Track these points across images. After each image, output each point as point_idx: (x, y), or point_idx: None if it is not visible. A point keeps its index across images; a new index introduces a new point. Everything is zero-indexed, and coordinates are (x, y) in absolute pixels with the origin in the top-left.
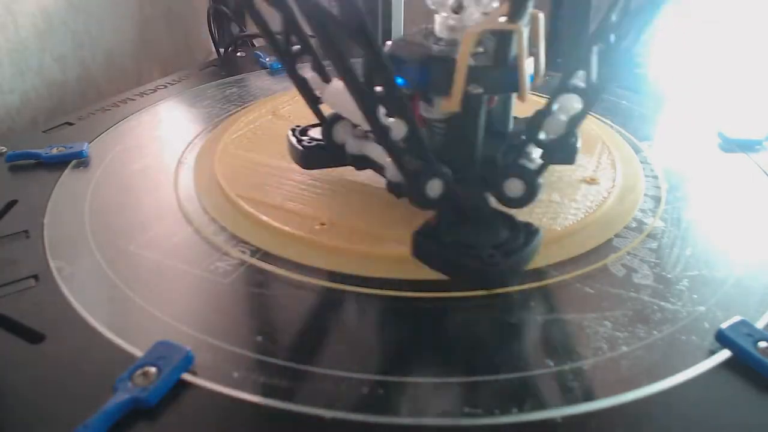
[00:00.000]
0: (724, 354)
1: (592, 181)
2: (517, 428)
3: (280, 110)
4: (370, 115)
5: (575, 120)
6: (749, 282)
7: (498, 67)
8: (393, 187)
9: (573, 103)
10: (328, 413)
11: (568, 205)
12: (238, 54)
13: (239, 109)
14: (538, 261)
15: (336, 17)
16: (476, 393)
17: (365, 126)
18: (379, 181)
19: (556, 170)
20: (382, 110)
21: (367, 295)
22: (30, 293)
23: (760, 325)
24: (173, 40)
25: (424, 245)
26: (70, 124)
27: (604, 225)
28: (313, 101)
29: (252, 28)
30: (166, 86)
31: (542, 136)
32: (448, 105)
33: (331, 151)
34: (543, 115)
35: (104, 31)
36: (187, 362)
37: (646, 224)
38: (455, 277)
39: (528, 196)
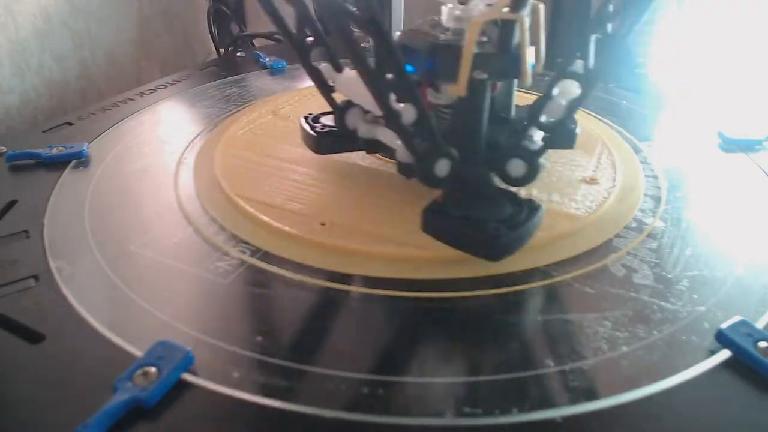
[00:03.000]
0: (724, 354)
1: (592, 181)
2: (517, 428)
3: (280, 110)
4: (382, 100)
5: (574, 104)
6: (749, 282)
7: (501, 54)
8: (404, 168)
9: (572, 88)
10: (328, 413)
11: (568, 205)
12: (238, 54)
13: (239, 109)
14: (538, 261)
15: (350, 10)
16: (476, 393)
17: (377, 111)
18: (380, 182)
19: (556, 170)
20: (392, 96)
21: (367, 294)
22: (30, 293)
23: (760, 325)
24: (173, 40)
25: (432, 221)
26: (70, 124)
27: (604, 225)
28: (326, 90)
29: (252, 28)
30: (166, 86)
31: (543, 119)
32: (455, 90)
33: (345, 136)
34: (544, 99)
35: (104, 31)
36: (187, 362)
37: (646, 224)
38: (462, 249)
39: (529, 175)
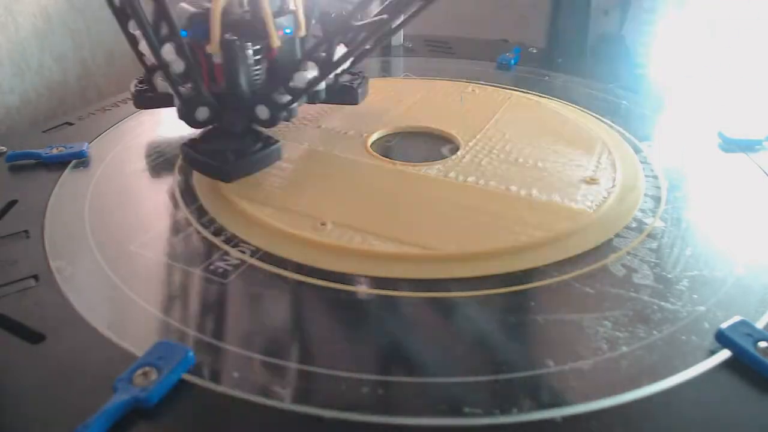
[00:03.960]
0: (724, 354)
1: (592, 181)
2: (517, 428)
3: None
4: (155, 52)
5: (312, 81)
6: (749, 282)
7: (250, 21)
8: (178, 113)
9: (314, 69)
10: (328, 413)
11: (568, 205)
12: None
13: None
14: (539, 261)
15: None
16: (476, 393)
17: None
18: (380, 181)
19: (556, 170)
20: (167, 50)
21: (367, 294)
22: (30, 293)
23: (760, 325)
24: None
25: (187, 153)
26: (70, 124)
27: (604, 225)
28: (139, 54)
29: None
30: None
31: (293, 85)
32: (210, 49)
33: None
34: (293, 70)
35: (104, 31)
36: (187, 362)
37: (646, 224)
38: (206, 174)
39: (273, 120)
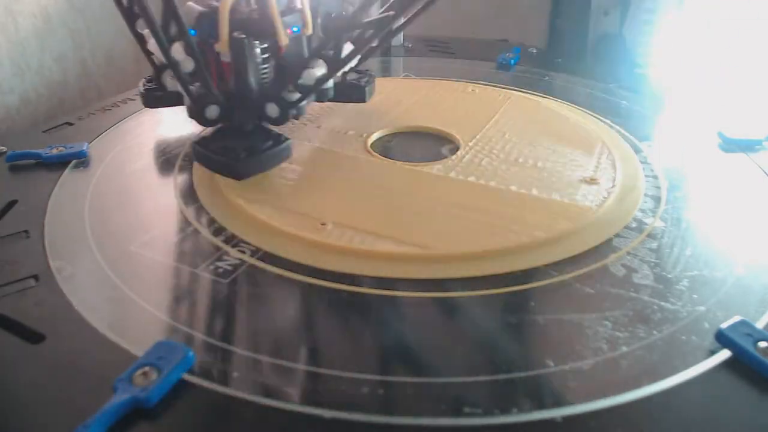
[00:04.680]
0: (724, 354)
1: (592, 181)
2: (517, 428)
3: None
4: (164, 51)
5: (321, 78)
6: (749, 282)
7: (258, 19)
8: (188, 112)
9: (322, 66)
10: (328, 413)
11: (567, 205)
12: None
13: None
14: (539, 261)
15: None
16: (476, 393)
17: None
18: (380, 181)
19: (556, 170)
20: (177, 49)
21: (367, 294)
22: (30, 293)
23: (760, 325)
24: None
25: (199, 151)
26: (70, 124)
27: (604, 225)
28: (148, 53)
29: None
30: None
31: (302, 82)
32: (219, 47)
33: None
34: (302, 67)
35: (104, 31)
36: (187, 362)
37: (646, 224)
38: (217, 172)
39: (282, 118)
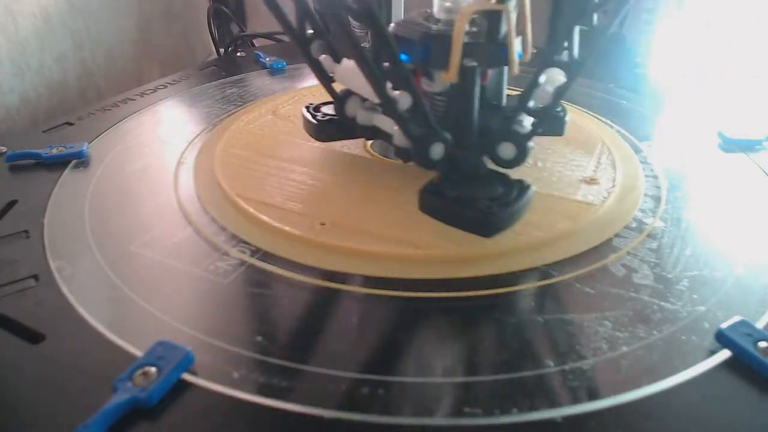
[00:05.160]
0: (724, 354)
1: (592, 181)
2: (517, 428)
3: (280, 110)
4: (379, 88)
5: (560, 91)
6: (749, 282)
7: (490, 44)
8: (401, 153)
9: (558, 76)
10: (328, 413)
11: (568, 205)
12: (238, 54)
13: (239, 109)
14: (538, 261)
15: (347, 3)
16: (476, 393)
17: (374, 99)
18: (380, 181)
19: (556, 170)
20: (388, 84)
21: (367, 294)
22: (30, 293)
23: (760, 325)
24: (173, 40)
25: (429, 200)
26: (70, 124)
27: (604, 225)
28: (327, 80)
29: (252, 28)
30: (166, 86)
31: (531, 105)
32: (447, 77)
33: (344, 124)
34: (532, 86)
35: (104, 31)
36: (187, 362)
37: (646, 224)
38: (457, 227)
39: (519, 157)
